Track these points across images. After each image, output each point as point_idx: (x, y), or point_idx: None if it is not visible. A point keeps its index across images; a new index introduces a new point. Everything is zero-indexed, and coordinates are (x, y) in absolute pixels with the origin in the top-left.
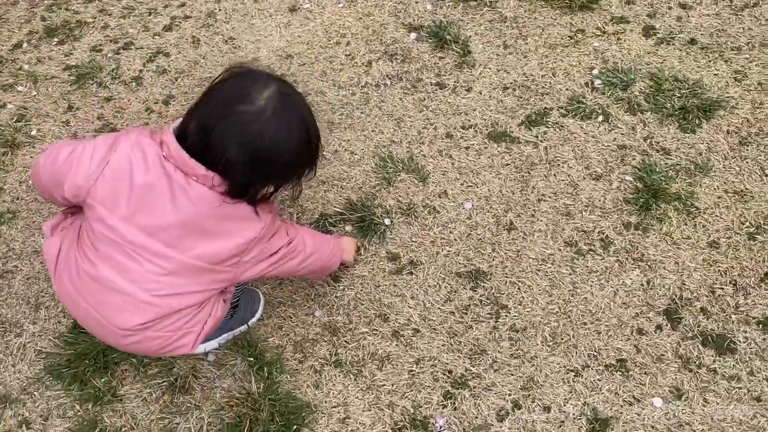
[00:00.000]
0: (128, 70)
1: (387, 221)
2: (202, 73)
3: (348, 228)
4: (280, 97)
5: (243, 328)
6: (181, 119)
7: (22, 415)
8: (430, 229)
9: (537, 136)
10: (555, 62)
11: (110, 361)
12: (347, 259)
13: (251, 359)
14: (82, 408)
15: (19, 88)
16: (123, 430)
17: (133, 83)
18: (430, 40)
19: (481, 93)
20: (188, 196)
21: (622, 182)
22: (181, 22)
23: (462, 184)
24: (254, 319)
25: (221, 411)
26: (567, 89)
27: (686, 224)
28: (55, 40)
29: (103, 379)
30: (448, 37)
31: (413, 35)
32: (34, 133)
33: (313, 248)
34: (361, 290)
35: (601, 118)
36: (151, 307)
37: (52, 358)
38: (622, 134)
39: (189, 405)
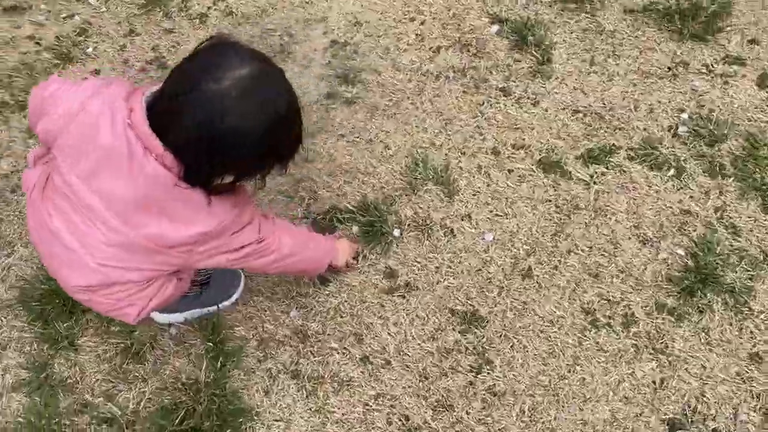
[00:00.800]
0: (197, 4)
1: (396, 232)
2: (267, 23)
3: (354, 229)
4: (253, 80)
5: (213, 308)
6: (160, 85)
7: None
8: (440, 253)
9: (592, 176)
10: (642, 94)
11: (78, 308)
12: (339, 264)
13: (210, 344)
14: (39, 348)
15: (91, 1)
16: (68, 381)
17: (197, 20)
18: (511, 37)
19: (547, 111)
20: (144, 172)
21: (671, 254)
22: None
23: (491, 211)
24: (227, 303)
25: (164, 390)
26: (645, 129)
27: (731, 324)
28: None
29: (66, 324)
30: (530, 38)
31: (495, 28)
32: (90, 50)
33: (292, 251)
34: (346, 301)
35: (672, 172)
36: (94, 274)
37: (28, 289)
38: (690, 197)
39: (136, 375)
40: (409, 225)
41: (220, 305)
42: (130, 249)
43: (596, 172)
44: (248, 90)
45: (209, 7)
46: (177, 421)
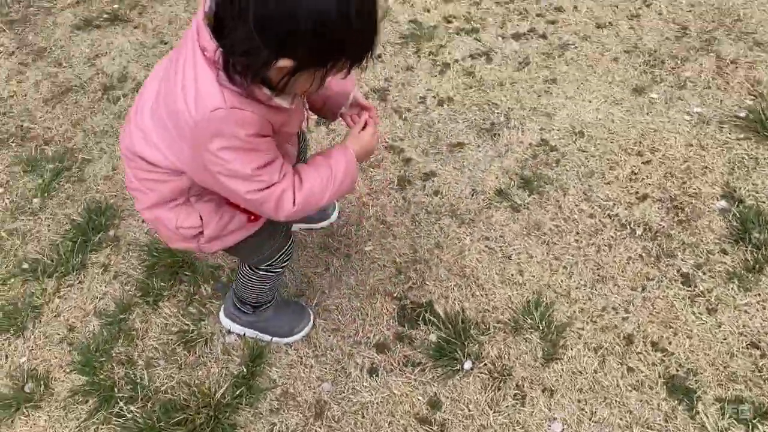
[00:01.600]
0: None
1: (467, 365)
2: (494, 96)
3: (432, 337)
4: None
5: (267, 338)
6: None
7: (109, 259)
8: (496, 413)
9: (721, 430)
10: None
11: (177, 276)
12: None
13: (244, 370)
14: (135, 292)
15: None
16: (132, 333)
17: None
18: (733, 223)
19: (720, 326)
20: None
21: None
22: None
23: (579, 402)
24: (282, 341)
25: (185, 387)
26: None
27: None
28: None
29: (162, 284)
30: (756, 235)
31: (722, 203)
32: None
33: (305, 200)
34: (377, 404)
35: None
36: (128, 135)
37: (156, 239)
38: None
39: (177, 360)
40: (485, 364)
41: (274, 340)
42: (159, 122)
43: (729, 428)
44: None
45: (453, 60)
46: (173, 421)
